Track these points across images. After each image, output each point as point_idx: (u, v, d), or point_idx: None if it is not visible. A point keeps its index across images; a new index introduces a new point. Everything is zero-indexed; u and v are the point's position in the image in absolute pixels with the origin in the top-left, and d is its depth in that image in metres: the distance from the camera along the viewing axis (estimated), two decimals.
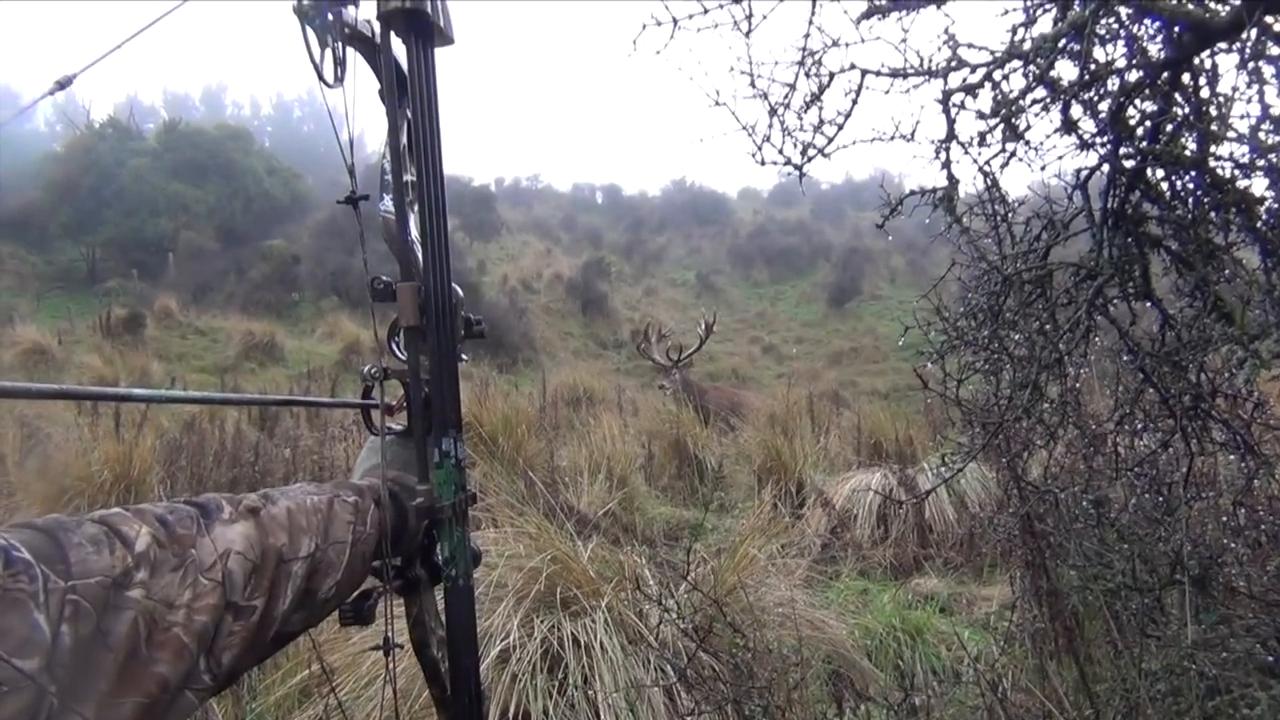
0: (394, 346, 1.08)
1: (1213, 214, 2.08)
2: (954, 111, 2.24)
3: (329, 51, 0.99)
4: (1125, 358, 2.35)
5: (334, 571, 0.91)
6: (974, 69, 2.19)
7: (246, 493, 0.87)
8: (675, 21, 2.45)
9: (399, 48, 1.02)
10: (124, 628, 0.62)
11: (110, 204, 27.43)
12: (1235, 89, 1.92)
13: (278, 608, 0.80)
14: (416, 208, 1.02)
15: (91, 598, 0.60)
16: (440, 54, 1.02)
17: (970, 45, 2.20)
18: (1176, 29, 1.98)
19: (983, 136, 2.23)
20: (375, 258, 1.09)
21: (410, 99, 1.01)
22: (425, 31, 1.00)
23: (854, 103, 2.42)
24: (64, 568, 0.59)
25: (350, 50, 1.02)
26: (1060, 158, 2.24)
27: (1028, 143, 2.23)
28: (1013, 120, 2.18)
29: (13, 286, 24.36)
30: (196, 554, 0.71)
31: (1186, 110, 2.04)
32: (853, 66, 2.39)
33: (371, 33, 1.02)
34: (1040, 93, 2.15)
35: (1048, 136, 2.22)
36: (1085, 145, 2.20)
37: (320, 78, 0.98)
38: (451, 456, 1.03)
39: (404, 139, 1.03)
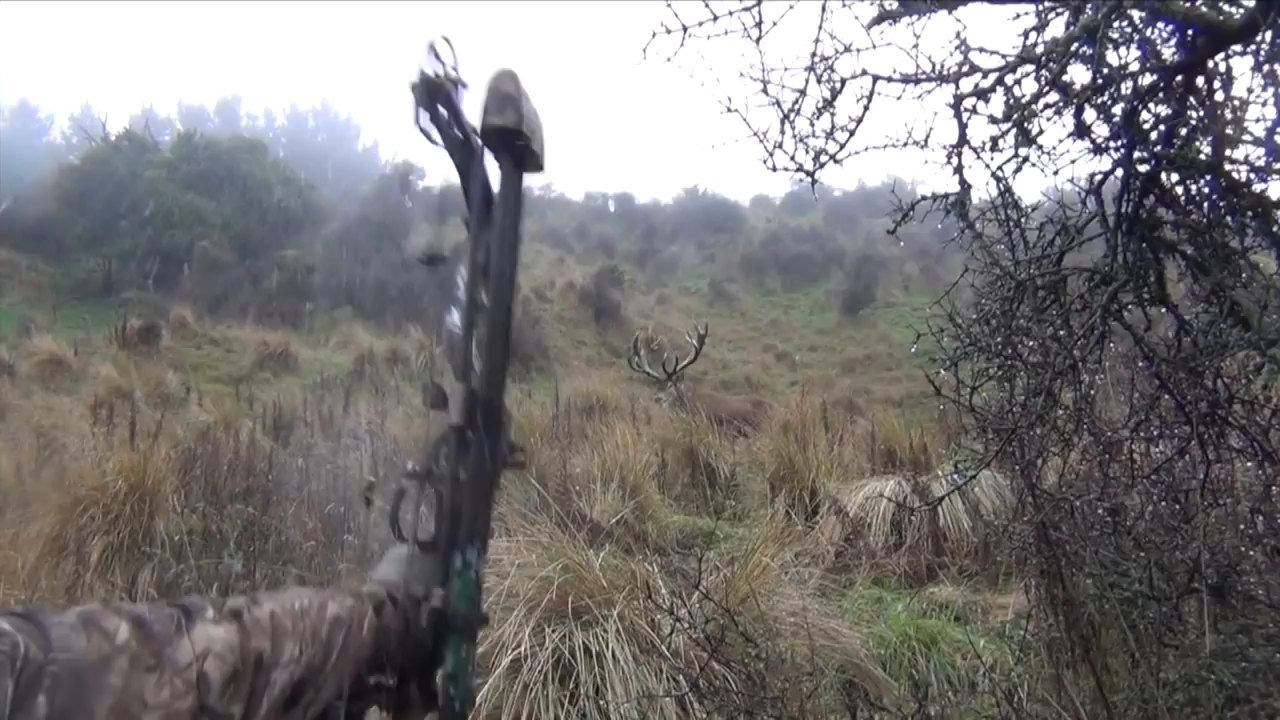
0: (438, 458, 1.06)
1: (1228, 218, 2.06)
2: (966, 116, 2.24)
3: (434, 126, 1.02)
4: (1140, 364, 2.33)
5: (318, 678, 0.87)
6: (986, 73, 2.18)
7: (234, 597, 0.84)
8: (685, 29, 2.45)
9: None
10: (104, 712, 0.61)
11: (126, 215, 27.60)
12: (1250, 91, 1.91)
13: (255, 716, 0.77)
14: (482, 330, 1.03)
15: (70, 673, 0.59)
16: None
17: (982, 50, 2.19)
18: (1190, 32, 1.97)
19: (995, 141, 2.22)
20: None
21: (494, 221, 1.03)
22: (521, 155, 1.02)
23: (866, 108, 2.42)
24: (44, 642, 0.58)
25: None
26: (1073, 162, 2.24)
27: (1040, 147, 2.22)
28: (1025, 125, 2.17)
29: (30, 297, 24.52)
30: (172, 653, 0.69)
31: (1201, 114, 2.02)
32: (864, 72, 2.38)
33: (469, 139, 1.04)
34: (1053, 97, 2.14)
35: (1060, 141, 2.21)
36: (1098, 149, 2.19)
37: (432, 141, 1.01)
38: (473, 569, 1.00)
39: (481, 259, 1.05)
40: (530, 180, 1.05)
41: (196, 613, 0.75)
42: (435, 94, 0.99)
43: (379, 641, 0.96)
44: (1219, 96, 2.01)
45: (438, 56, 1.01)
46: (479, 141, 1.03)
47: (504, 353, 1.02)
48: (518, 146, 1.01)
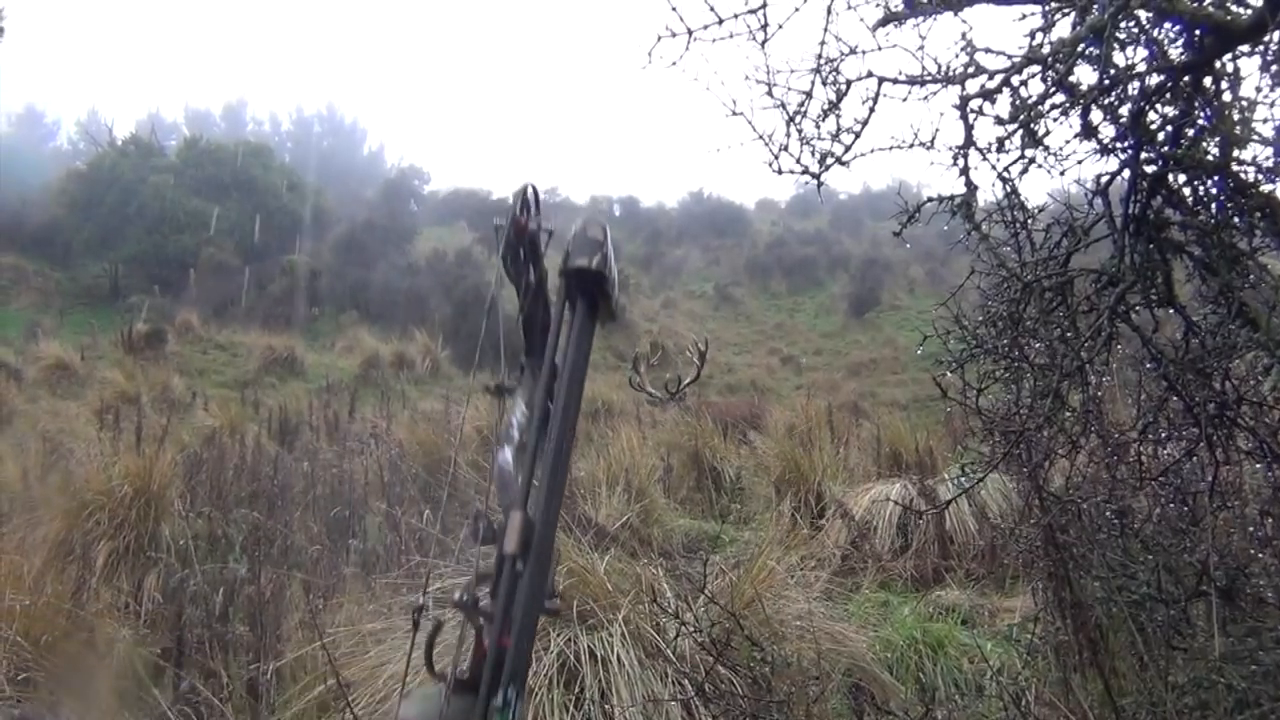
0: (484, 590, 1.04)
1: (1236, 219, 2.05)
2: (972, 118, 2.23)
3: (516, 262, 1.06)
4: (1148, 365, 2.32)
5: None
6: (992, 75, 2.17)
7: None
8: (690, 32, 2.45)
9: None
10: None
11: (132, 221, 27.65)
12: (1258, 91, 1.90)
13: None
14: (544, 467, 1.02)
15: None
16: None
17: (988, 51, 2.18)
18: (1197, 32, 1.96)
19: (1001, 143, 2.21)
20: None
21: (563, 363, 1.03)
22: (596, 302, 1.03)
23: (871, 110, 2.41)
24: None
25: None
26: (1080, 163, 2.23)
27: (1047, 148, 2.21)
28: (1032, 126, 2.16)
29: (37, 303, 24.59)
30: None
31: (1208, 114, 2.01)
32: (870, 74, 2.38)
33: (542, 285, 1.07)
34: (1059, 98, 2.13)
35: (1067, 142, 2.20)
36: (1105, 150, 2.18)
37: (514, 281, 1.08)
38: (511, 709, 0.97)
39: (540, 400, 1.04)
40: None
41: None
42: (521, 236, 1.04)
43: None
44: (1226, 97, 2.00)
45: (525, 203, 1.05)
46: (560, 288, 1.03)
47: (561, 490, 1.01)
48: (596, 292, 1.02)
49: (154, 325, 20.50)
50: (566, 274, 1.02)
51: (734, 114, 2.55)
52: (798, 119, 2.52)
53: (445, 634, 1.05)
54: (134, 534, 5.58)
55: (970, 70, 2.19)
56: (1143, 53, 2.05)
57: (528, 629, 0.97)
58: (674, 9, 2.42)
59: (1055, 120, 2.17)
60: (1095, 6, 1.97)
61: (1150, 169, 2.15)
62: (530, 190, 1.07)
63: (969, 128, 2.25)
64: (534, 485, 1.03)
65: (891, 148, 2.42)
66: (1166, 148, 2.09)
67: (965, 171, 2.29)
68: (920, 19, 2.25)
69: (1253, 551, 2.57)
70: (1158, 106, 2.10)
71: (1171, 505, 2.71)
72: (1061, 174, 2.26)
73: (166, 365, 17.92)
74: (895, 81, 2.33)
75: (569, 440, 1.01)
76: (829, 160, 2.51)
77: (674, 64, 2.48)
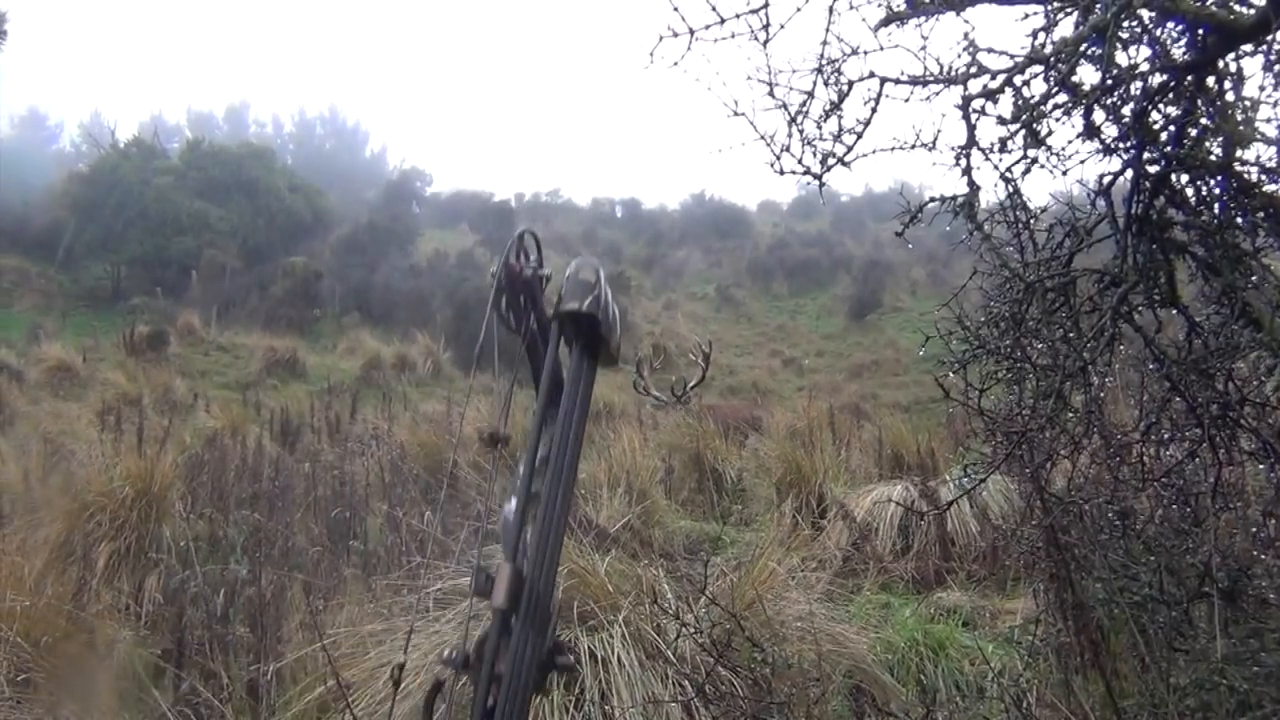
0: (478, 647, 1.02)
1: (1239, 219, 2.04)
2: (974, 118, 2.22)
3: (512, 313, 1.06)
4: (1151, 366, 2.32)
5: None
6: (994, 75, 2.16)
7: None
8: (692, 33, 2.45)
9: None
10: None
11: (135, 223, 27.73)
12: (1261, 91, 1.90)
13: None
14: (538, 521, 1.00)
15: None
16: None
17: (990, 50, 2.17)
18: (1200, 31, 1.96)
19: (1004, 143, 2.20)
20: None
21: (560, 413, 1.01)
22: (595, 345, 1.01)
23: (874, 111, 2.40)
24: None
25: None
26: (1083, 163, 2.22)
27: (1049, 148, 2.20)
28: (1034, 126, 2.15)
29: (39, 304, 24.64)
30: None
31: (1211, 114, 2.01)
32: (872, 74, 2.37)
33: (544, 331, 1.06)
34: (1062, 98, 2.12)
35: (1070, 142, 2.19)
36: (1108, 150, 2.17)
37: (510, 328, 1.07)
38: None
39: (542, 451, 1.02)
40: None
41: None
42: (516, 283, 1.03)
43: None
44: (1229, 96, 1.99)
45: (522, 248, 1.05)
46: (553, 332, 1.03)
47: (558, 544, 0.98)
48: (591, 335, 1.00)
49: (156, 327, 20.53)
50: (558, 318, 1.01)
51: (736, 115, 2.55)
52: (799, 119, 2.51)
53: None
54: (135, 535, 5.59)
55: (972, 70, 2.18)
56: (1145, 52, 2.05)
57: (520, 685, 0.95)
58: (676, 9, 2.42)
59: (1058, 120, 2.17)
60: (1098, 6, 1.97)
61: (1153, 169, 2.14)
62: (527, 236, 1.07)
63: (971, 128, 2.24)
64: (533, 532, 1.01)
65: (894, 148, 2.42)
66: (1169, 148, 2.08)
67: (968, 172, 2.29)
68: (922, 19, 2.24)
69: (1255, 553, 2.56)
70: (1160, 106, 2.09)
71: (1174, 506, 2.71)
72: (1064, 174, 2.25)
73: (168, 367, 17.95)
74: (897, 82, 2.32)
75: (567, 491, 0.99)
76: (831, 161, 2.50)
77: (676, 64, 2.47)
